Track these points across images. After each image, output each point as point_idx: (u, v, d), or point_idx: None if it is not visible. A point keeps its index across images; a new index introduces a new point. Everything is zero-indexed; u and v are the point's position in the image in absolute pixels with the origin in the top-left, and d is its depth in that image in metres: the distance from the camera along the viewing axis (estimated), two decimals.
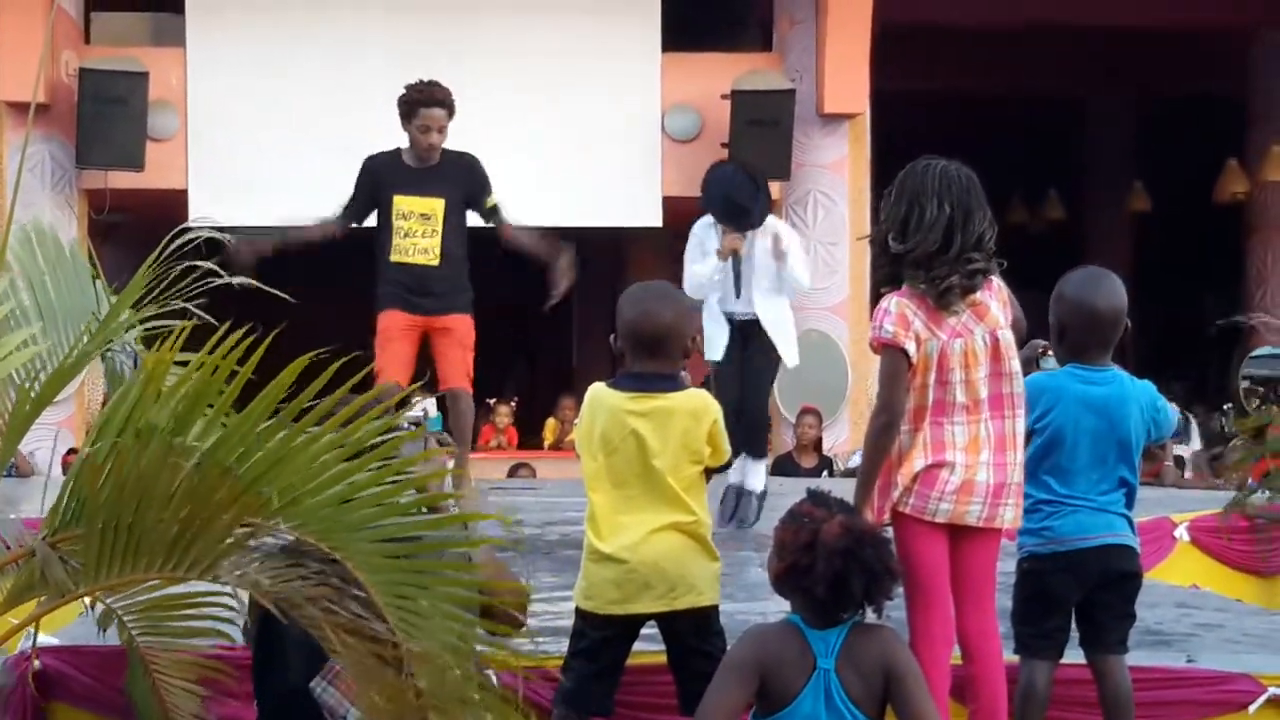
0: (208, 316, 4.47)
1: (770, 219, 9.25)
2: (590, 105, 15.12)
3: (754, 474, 9.22)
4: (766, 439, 9.73)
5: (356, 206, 9.15)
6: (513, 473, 14.79)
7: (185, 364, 3.90)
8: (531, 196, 15.11)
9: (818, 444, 14.45)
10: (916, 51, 17.21)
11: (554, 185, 14.91)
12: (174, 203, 14.48)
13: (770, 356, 9.22)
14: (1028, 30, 16.78)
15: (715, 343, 9.10)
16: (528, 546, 8.41)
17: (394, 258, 8.99)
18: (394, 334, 9.02)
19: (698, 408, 5.18)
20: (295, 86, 14.77)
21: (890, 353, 5.09)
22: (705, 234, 9.19)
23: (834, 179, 15.31)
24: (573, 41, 15.12)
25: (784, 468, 13.89)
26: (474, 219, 9.14)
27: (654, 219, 15.18)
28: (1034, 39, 17.36)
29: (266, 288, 4.64)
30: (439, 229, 9.00)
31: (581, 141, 15.01)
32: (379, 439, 3.79)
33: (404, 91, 9.01)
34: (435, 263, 8.99)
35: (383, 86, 14.41)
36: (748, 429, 9.02)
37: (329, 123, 14.67)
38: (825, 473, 13.83)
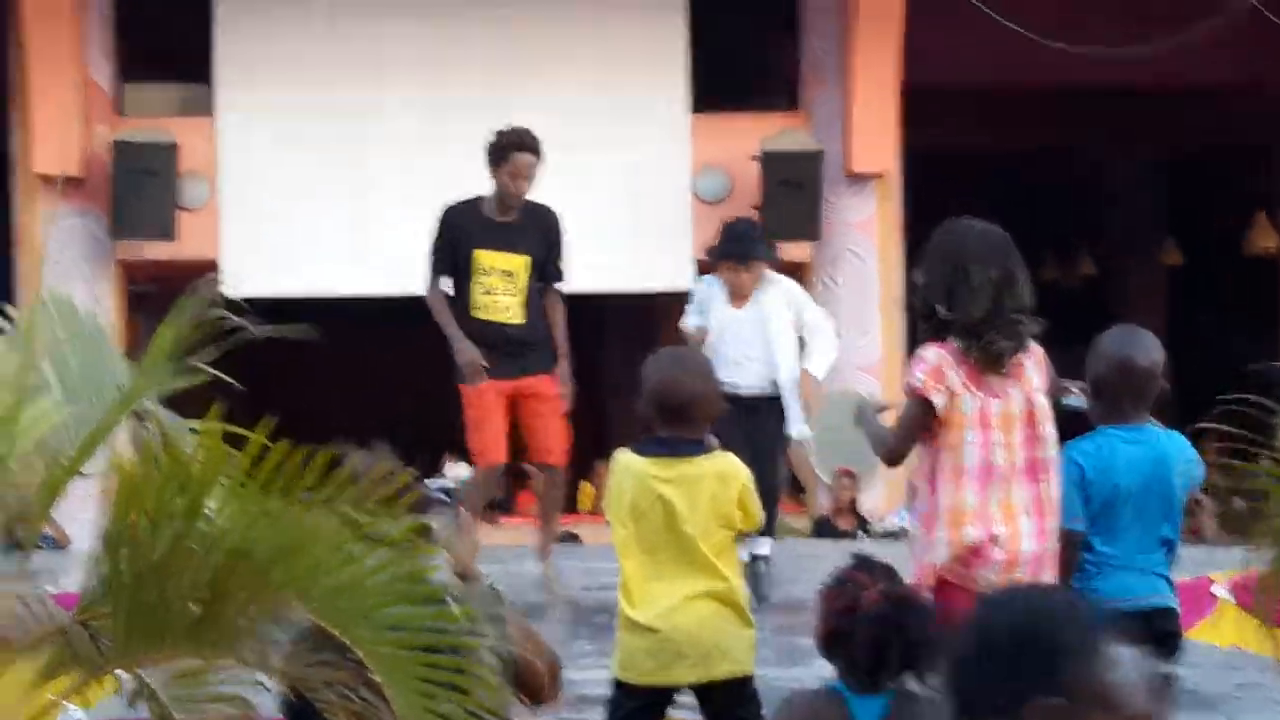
0: (229, 378, 4.46)
1: (794, 289, 9.03)
2: (619, 167, 15.12)
3: (759, 543, 8.74)
4: (776, 516, 9.23)
5: (448, 259, 8.81)
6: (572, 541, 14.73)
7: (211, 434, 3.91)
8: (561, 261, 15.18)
9: (854, 506, 14.39)
10: (944, 110, 17.18)
11: (583, 248, 14.73)
12: (206, 272, 14.51)
13: (780, 428, 8.94)
14: (1055, 89, 16.77)
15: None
16: (563, 613, 8.47)
17: (475, 314, 8.69)
18: (486, 410, 8.70)
19: (725, 471, 5.17)
20: (324, 156, 14.82)
21: (916, 402, 5.08)
22: (706, 291, 9.05)
23: (863, 238, 15.29)
24: (601, 104, 15.14)
25: (822, 530, 13.85)
26: None
27: (684, 281, 15.09)
28: (1061, 97, 17.35)
29: (285, 332, 4.60)
30: (522, 287, 8.74)
31: (611, 204, 15.01)
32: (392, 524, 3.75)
33: (494, 136, 8.73)
34: (519, 321, 8.71)
35: (410, 155, 14.65)
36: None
37: (358, 191, 14.74)
38: (862, 534, 13.77)
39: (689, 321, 8.99)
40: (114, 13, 14.93)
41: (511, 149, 8.63)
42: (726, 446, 8.45)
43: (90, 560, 3.88)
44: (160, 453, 3.86)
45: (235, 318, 4.59)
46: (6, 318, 4.44)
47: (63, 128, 14.18)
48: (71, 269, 14.43)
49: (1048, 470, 5.13)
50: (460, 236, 8.74)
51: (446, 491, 4.45)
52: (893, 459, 5.25)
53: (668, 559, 5.12)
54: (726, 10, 15.63)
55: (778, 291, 8.93)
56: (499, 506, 15.37)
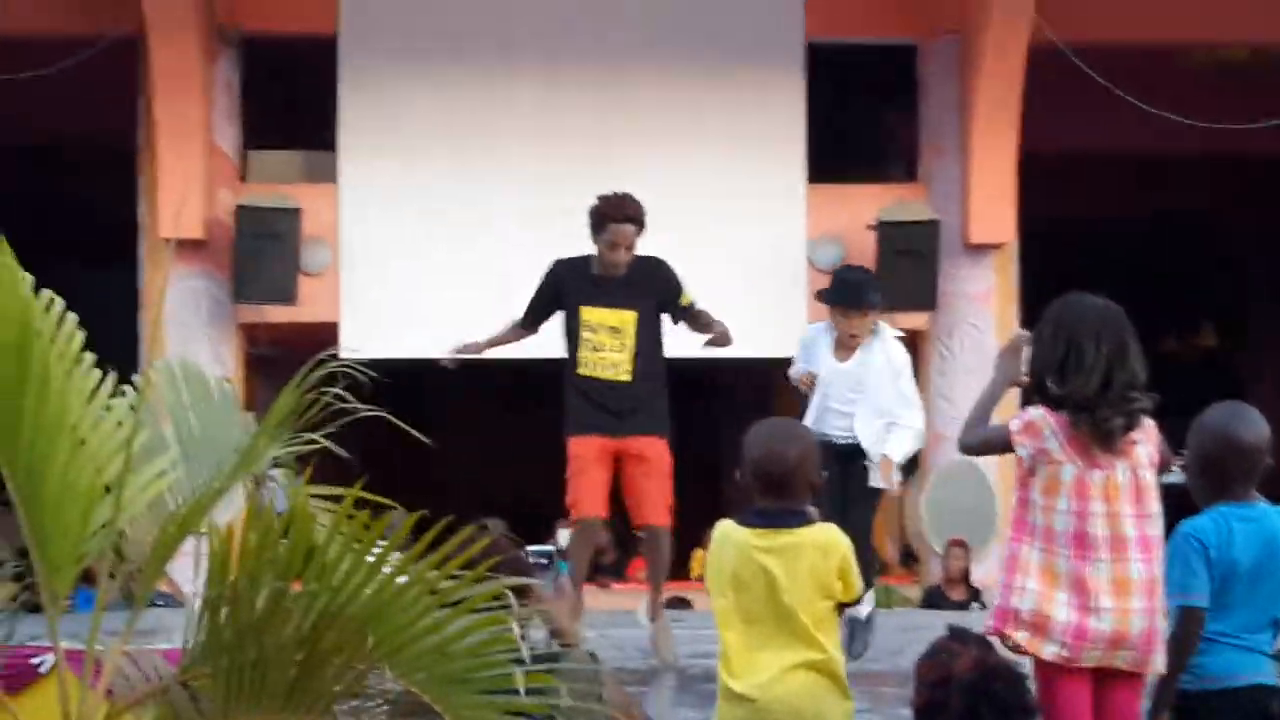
0: (340, 449, 4.54)
1: (898, 355, 8.80)
2: (736, 237, 15.19)
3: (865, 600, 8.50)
4: (872, 569, 9.07)
5: (538, 311, 8.78)
6: (668, 604, 14.71)
7: (326, 498, 4.00)
8: (676, 329, 15.20)
9: (966, 576, 14.29)
10: (1064, 179, 17.15)
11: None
12: (326, 336, 14.70)
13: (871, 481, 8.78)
14: (1177, 156, 16.66)
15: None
16: (668, 679, 8.45)
17: (581, 371, 8.56)
18: (587, 462, 8.53)
19: (826, 543, 5.17)
20: (444, 220, 15.01)
21: (1004, 437, 5.13)
22: (813, 339, 8.97)
23: (981, 309, 15.24)
24: (718, 174, 15.23)
25: (933, 600, 13.77)
26: None
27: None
28: (1183, 165, 17.24)
29: (406, 427, 4.69)
30: (630, 344, 8.56)
31: (727, 273, 15.02)
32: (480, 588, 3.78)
33: (595, 203, 8.59)
34: (627, 379, 8.54)
35: (531, 219, 14.77)
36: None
37: (478, 256, 14.89)
38: (974, 605, 13.67)
39: (795, 369, 8.94)
40: (239, 81, 15.22)
41: (608, 220, 8.52)
42: (820, 498, 8.62)
43: (192, 620, 3.96)
44: (267, 515, 3.93)
45: (348, 398, 4.68)
46: (132, 385, 4.55)
47: (188, 193, 14.43)
48: (194, 331, 14.70)
49: (1158, 548, 5.11)
50: (566, 292, 8.66)
51: (547, 555, 4.45)
52: (962, 444, 5.38)
53: (768, 629, 5.11)
54: (846, 81, 15.69)
55: (883, 352, 8.77)
56: (610, 571, 15.42)
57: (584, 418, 8.55)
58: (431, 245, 15.03)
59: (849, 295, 8.70)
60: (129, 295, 14.88)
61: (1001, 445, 5.21)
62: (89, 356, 4.55)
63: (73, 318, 4.45)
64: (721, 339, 8.96)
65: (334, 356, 4.58)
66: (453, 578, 3.70)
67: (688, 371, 15.52)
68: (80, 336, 4.51)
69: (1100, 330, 5.04)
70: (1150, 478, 5.13)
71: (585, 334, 8.53)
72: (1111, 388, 5.02)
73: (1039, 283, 17.20)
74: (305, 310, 14.73)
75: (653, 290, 8.64)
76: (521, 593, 3.85)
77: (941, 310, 15.19)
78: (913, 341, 15.07)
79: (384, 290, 14.96)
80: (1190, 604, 5.06)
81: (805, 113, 15.33)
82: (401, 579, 3.78)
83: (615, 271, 8.53)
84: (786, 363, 16.30)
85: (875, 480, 8.73)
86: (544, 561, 4.65)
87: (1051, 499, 5.04)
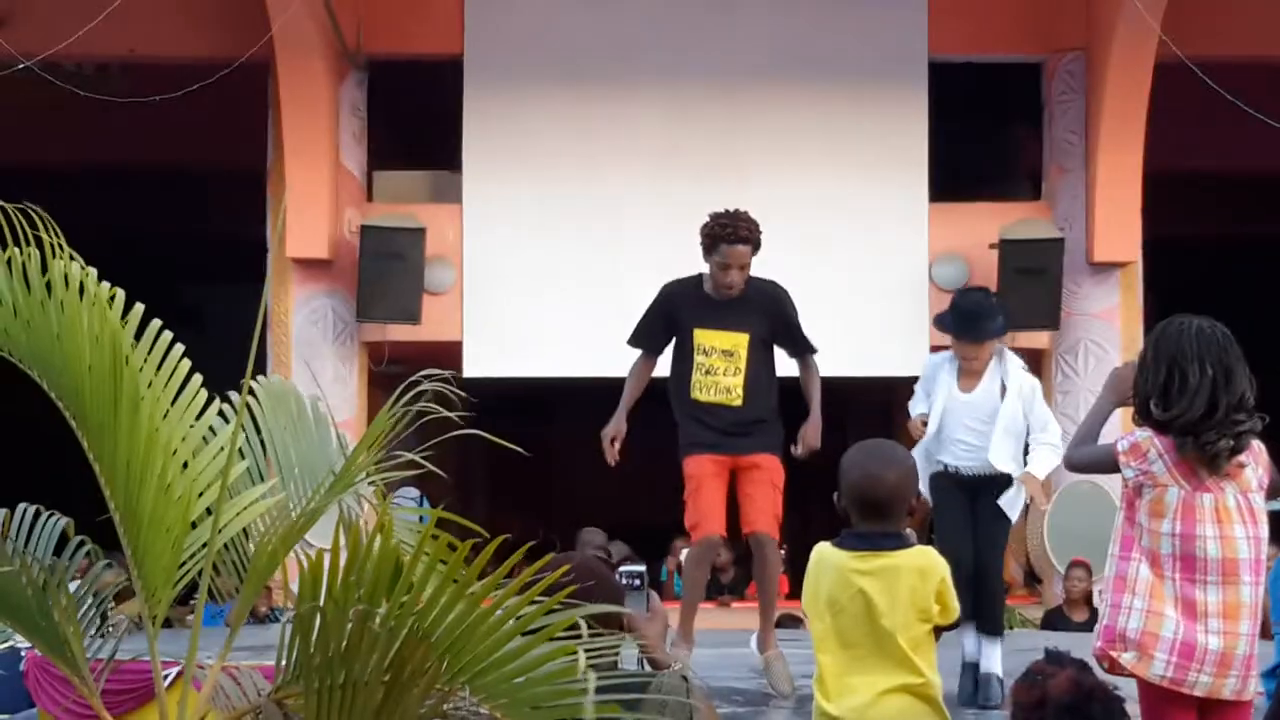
0: (437, 470, 4.62)
1: (1025, 382, 8.49)
2: (858, 255, 15.18)
3: (990, 656, 8.34)
4: (1003, 610, 8.78)
5: (655, 337, 8.55)
6: (780, 623, 14.69)
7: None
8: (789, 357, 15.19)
9: (1088, 597, 14.14)
10: (1191, 196, 16.97)
11: (822, 335, 14.81)
12: (449, 355, 14.86)
13: (1002, 510, 8.45)
14: None
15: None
16: (780, 703, 8.43)
17: (695, 395, 8.37)
18: (704, 479, 8.37)
19: (925, 566, 5.16)
20: (567, 241, 15.10)
21: (1112, 457, 5.11)
22: (934, 370, 8.69)
23: (1105, 328, 15.11)
24: (841, 194, 15.22)
25: (1054, 622, 13.64)
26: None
27: (921, 368, 15.10)
28: None
29: (501, 441, 4.74)
30: (742, 367, 8.34)
31: (850, 291, 15.05)
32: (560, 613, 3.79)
33: (707, 222, 8.32)
34: (739, 403, 8.33)
35: (653, 241, 14.80)
36: (980, 596, 8.24)
37: (600, 277, 14.96)
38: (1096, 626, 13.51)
39: (913, 408, 8.70)
40: (366, 101, 15.42)
41: (720, 240, 8.22)
42: (948, 528, 8.36)
43: (285, 639, 4.04)
44: (354, 536, 3.99)
45: (450, 417, 4.74)
46: (232, 407, 4.64)
47: (314, 213, 14.65)
48: (319, 350, 14.91)
49: (1264, 571, 5.08)
50: (678, 315, 8.45)
51: (639, 576, 4.42)
52: (1068, 461, 5.46)
53: (865, 653, 5.11)
54: (969, 99, 15.62)
55: (1011, 381, 8.50)
56: (730, 590, 15.43)
57: (698, 438, 8.40)
58: (554, 265, 15.12)
59: (967, 326, 8.44)
60: (257, 313, 15.06)
61: (1109, 465, 5.19)
62: (196, 379, 4.66)
63: (167, 338, 4.53)
64: (812, 429, 8.48)
65: (429, 377, 4.65)
66: (535, 601, 3.73)
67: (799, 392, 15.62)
68: (184, 360, 4.61)
69: (1203, 353, 5.02)
70: (1260, 501, 5.09)
71: (698, 357, 8.36)
72: (1217, 411, 4.99)
73: (1165, 301, 17.05)
74: (429, 329, 14.88)
75: (767, 314, 8.43)
76: (608, 618, 3.88)
77: (1065, 329, 15.07)
78: (1035, 360, 14.99)
79: (507, 310, 15.07)
80: None
81: (928, 131, 15.27)
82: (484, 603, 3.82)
83: (729, 292, 8.30)
84: (909, 381, 16.30)
85: (1012, 505, 8.49)
86: (635, 583, 4.65)
87: (1156, 521, 5.02)
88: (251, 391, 4.65)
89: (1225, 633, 4.97)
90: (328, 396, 14.30)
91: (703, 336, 8.35)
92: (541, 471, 22.87)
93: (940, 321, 8.69)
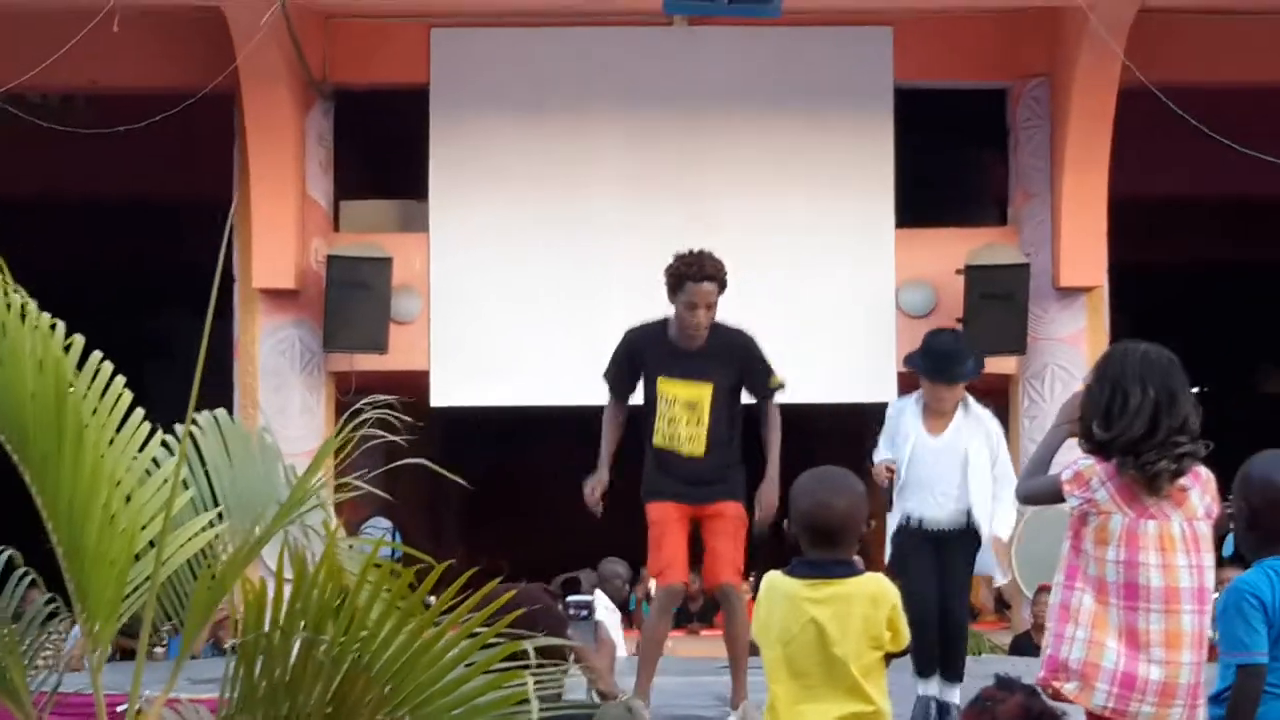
0: (383, 494, 4.61)
1: (993, 429, 8.43)
2: (824, 282, 15.19)
3: (950, 692, 8.32)
4: (965, 656, 8.57)
5: (624, 382, 8.39)
6: (754, 651, 14.69)
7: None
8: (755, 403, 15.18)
9: None
10: (1157, 222, 17.03)
11: (788, 362, 14.82)
12: (417, 384, 14.84)
13: (969, 563, 8.41)
14: (1271, 199, 16.48)
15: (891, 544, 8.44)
16: None
17: (658, 442, 8.22)
18: (667, 525, 8.20)
19: (876, 593, 5.17)
20: (535, 269, 15.10)
21: (1057, 488, 5.13)
22: (899, 415, 8.50)
23: (1072, 352, 15.14)
24: (807, 220, 15.24)
25: (1022, 647, 13.62)
26: None
27: (889, 393, 15.07)
28: (1277, 208, 17.06)
29: (445, 472, 4.73)
30: (705, 419, 8.15)
31: (816, 318, 15.07)
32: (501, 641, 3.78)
33: (671, 263, 8.10)
34: (700, 453, 8.15)
35: (621, 267, 14.81)
36: (948, 649, 8.28)
37: (568, 304, 14.97)
38: None
39: (878, 455, 8.52)
40: (332, 131, 15.42)
41: (686, 279, 7.99)
42: (914, 579, 8.07)
43: (226, 671, 4.02)
44: (299, 565, 3.97)
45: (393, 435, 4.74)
46: (175, 436, 4.63)
47: (281, 243, 14.63)
48: (286, 380, 14.89)
49: (1209, 600, 5.08)
50: (642, 362, 8.28)
51: (586, 607, 4.40)
52: (1018, 494, 5.56)
53: (817, 682, 5.11)
54: (935, 126, 15.66)
55: (979, 427, 8.43)
56: (699, 618, 15.42)
57: (661, 486, 8.25)
58: (522, 293, 15.12)
59: (940, 368, 8.33)
60: (225, 344, 15.06)
61: (1054, 495, 5.19)
62: (138, 412, 4.64)
63: (108, 369, 4.52)
64: (768, 491, 8.17)
65: (373, 404, 4.65)
66: (475, 632, 3.73)
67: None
68: (126, 392, 4.60)
69: (1146, 375, 5.03)
70: (1205, 529, 5.09)
71: (661, 406, 8.19)
72: (1157, 432, 4.99)
73: (1133, 325, 17.10)
74: (396, 359, 14.86)
75: (733, 364, 8.19)
76: (552, 649, 3.87)
77: (1031, 354, 15.10)
78: (1002, 386, 15.03)
79: (475, 339, 15.06)
80: (1253, 661, 5.00)
81: (894, 157, 15.30)
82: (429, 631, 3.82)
83: (694, 342, 8.11)
84: (876, 408, 16.30)
85: (985, 564, 8.49)
86: (583, 614, 4.65)
87: (1101, 549, 5.02)
88: (197, 424, 4.63)
89: (1167, 662, 4.96)
90: (295, 426, 14.45)
91: (666, 386, 8.17)
92: (515, 499, 22.88)
93: (911, 362, 8.56)
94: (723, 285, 8.10)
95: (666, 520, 8.20)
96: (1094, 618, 5.01)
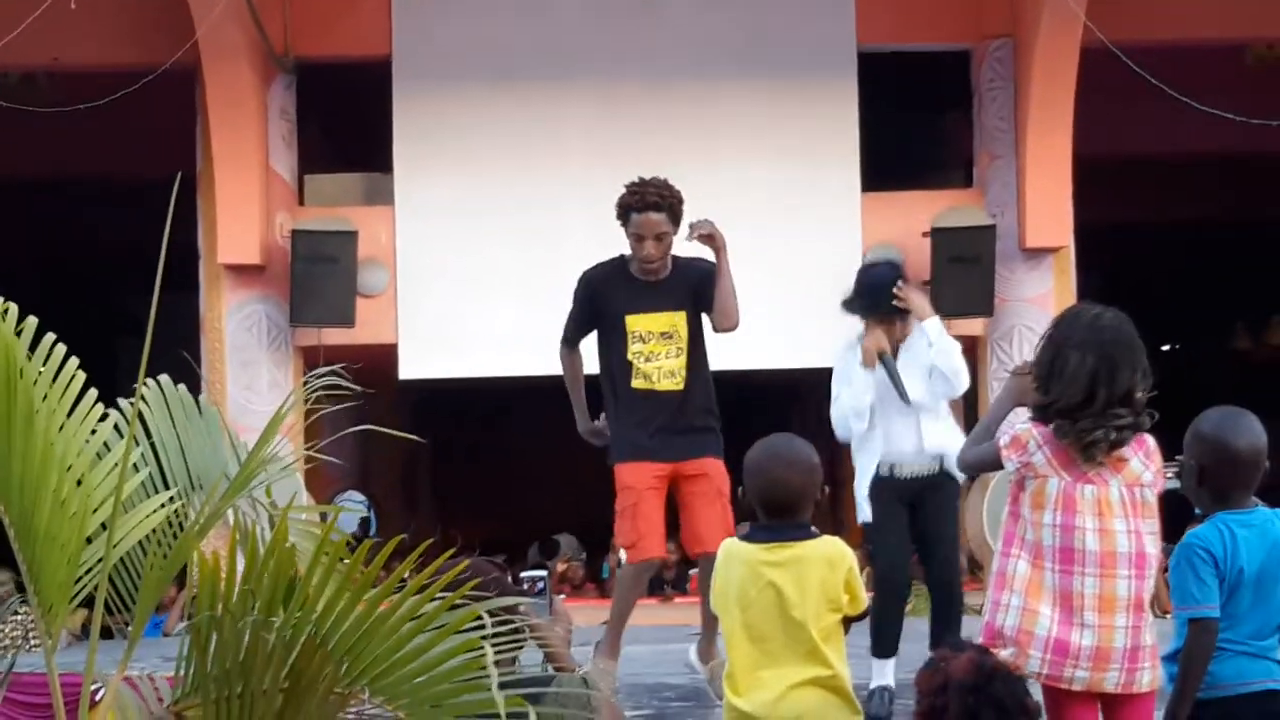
0: (337, 460, 4.61)
1: (929, 322, 7.73)
2: (792, 248, 15.17)
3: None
4: (961, 618, 7.84)
5: (583, 328, 7.87)
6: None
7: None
8: (733, 338, 15.17)
9: None
10: (1123, 181, 17.06)
11: (758, 327, 14.84)
12: (385, 357, 14.84)
13: (953, 513, 7.90)
14: (1235, 155, 16.52)
15: (866, 502, 7.85)
16: (707, 700, 8.42)
17: (637, 384, 7.67)
18: (641, 493, 7.66)
19: (833, 555, 5.18)
20: (500, 241, 15.07)
21: (997, 453, 5.14)
22: (847, 356, 7.87)
23: (1039, 313, 15.12)
24: (773, 185, 15.22)
25: None
26: None
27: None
28: (1244, 165, 17.10)
29: (396, 433, 4.74)
30: (684, 347, 7.70)
31: (784, 284, 15.05)
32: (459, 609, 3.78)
33: (621, 193, 7.77)
34: (682, 387, 7.64)
35: (586, 237, 14.76)
36: (941, 605, 7.73)
37: (534, 275, 14.92)
38: None
39: (836, 409, 7.93)
40: (295, 105, 15.36)
41: (630, 209, 7.64)
42: (886, 544, 7.67)
43: (180, 651, 4.02)
44: (251, 543, 3.97)
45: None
46: (123, 415, 4.62)
47: (245, 218, 14.59)
48: (253, 355, 14.86)
49: (1150, 565, 5.10)
50: (604, 303, 7.78)
51: (541, 580, 4.38)
52: (959, 462, 5.60)
53: (775, 646, 5.13)
54: (899, 89, 15.66)
55: (921, 340, 7.77)
56: (672, 585, 15.44)
57: (638, 440, 7.69)
58: (489, 265, 15.09)
59: (874, 303, 7.75)
60: (192, 321, 15.04)
61: (994, 462, 5.21)
62: (91, 393, 4.63)
63: (61, 351, 4.50)
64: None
65: (318, 376, 4.65)
66: (431, 601, 3.73)
67: (750, 380, 15.64)
68: (79, 374, 4.59)
69: (1088, 340, 5.00)
70: (1147, 495, 5.09)
71: (635, 346, 7.68)
72: (1094, 401, 4.98)
73: (1100, 284, 17.16)
74: (363, 332, 14.84)
75: (695, 286, 7.73)
76: (506, 617, 3.88)
77: (999, 316, 15.12)
78: (970, 347, 15.01)
79: (442, 311, 15.04)
80: (1203, 615, 5.02)
81: (859, 121, 15.30)
82: (381, 606, 3.82)
83: (649, 268, 7.68)
84: None
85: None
86: (539, 586, 4.67)
87: (1038, 513, 5.04)
88: (146, 401, 4.62)
89: (1101, 626, 4.98)
90: (263, 402, 14.43)
91: (636, 322, 7.70)
92: (489, 470, 22.91)
93: (849, 306, 7.90)
94: (674, 215, 7.73)
95: (640, 486, 7.68)
96: (1028, 584, 5.03)
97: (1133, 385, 4.99)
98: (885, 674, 7.76)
